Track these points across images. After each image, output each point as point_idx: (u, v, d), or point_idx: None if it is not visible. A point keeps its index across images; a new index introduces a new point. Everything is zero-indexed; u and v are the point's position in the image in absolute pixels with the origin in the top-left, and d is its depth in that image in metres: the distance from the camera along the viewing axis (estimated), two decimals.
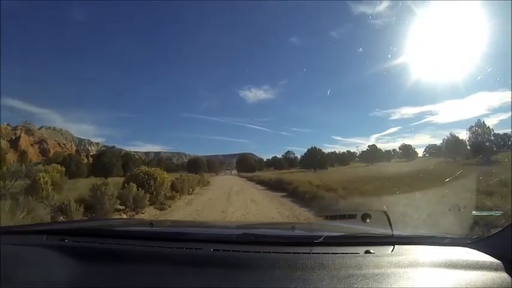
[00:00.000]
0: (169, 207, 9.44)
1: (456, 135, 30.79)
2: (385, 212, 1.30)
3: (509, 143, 24.02)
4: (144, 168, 10.72)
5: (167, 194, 10.57)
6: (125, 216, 7.44)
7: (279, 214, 7.32)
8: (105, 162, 30.53)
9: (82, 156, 41.85)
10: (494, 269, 0.94)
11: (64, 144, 60.69)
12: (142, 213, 8.17)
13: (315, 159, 40.37)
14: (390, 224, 1.22)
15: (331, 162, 43.48)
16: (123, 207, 8.12)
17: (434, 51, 21.46)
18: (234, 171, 51.75)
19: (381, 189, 9.26)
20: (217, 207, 8.94)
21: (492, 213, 3.07)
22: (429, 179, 9.40)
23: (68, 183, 12.14)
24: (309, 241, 1.15)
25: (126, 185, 8.68)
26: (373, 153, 44.39)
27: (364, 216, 1.39)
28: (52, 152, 47.22)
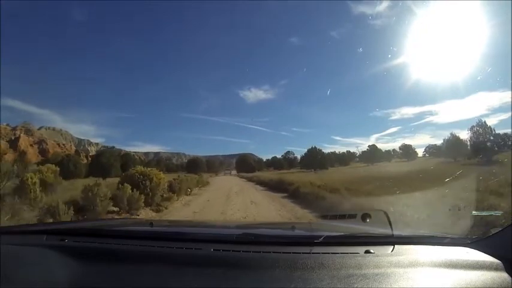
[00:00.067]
0: (166, 208, 9.23)
1: (457, 135, 30.81)
2: (385, 212, 1.30)
3: (510, 143, 24.02)
4: (139, 168, 10.40)
5: (164, 195, 10.31)
6: None
7: (280, 216, 7.22)
8: (103, 163, 30.41)
9: (81, 157, 41.81)
10: (494, 269, 0.94)
11: (64, 144, 60.63)
12: (137, 215, 7.97)
13: (315, 159, 40.35)
14: (390, 224, 1.22)
15: (331, 163, 43.45)
16: (117, 208, 7.90)
17: (434, 51, 21.51)
18: (234, 172, 51.68)
19: (383, 189, 9.23)
20: (216, 209, 8.80)
21: (492, 213, 3.07)
22: (430, 179, 9.39)
23: (65, 184, 11.97)
24: (309, 241, 1.15)
25: (120, 185, 8.42)
26: (373, 153, 44.40)
27: (364, 216, 1.40)
28: (51, 152, 47.20)
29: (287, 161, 52.24)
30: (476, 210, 4.02)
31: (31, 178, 7.16)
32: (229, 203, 9.98)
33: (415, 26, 20.51)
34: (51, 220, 5.88)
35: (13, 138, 49.35)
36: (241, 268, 0.97)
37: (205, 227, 2.07)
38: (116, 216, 7.40)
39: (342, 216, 2.06)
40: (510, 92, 34.45)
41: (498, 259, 0.97)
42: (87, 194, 7.08)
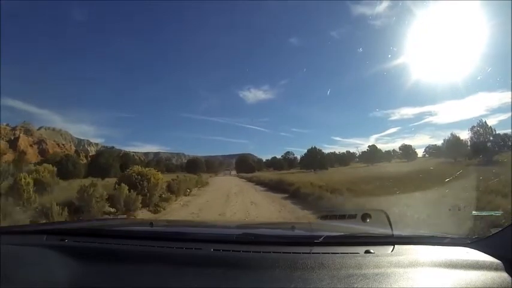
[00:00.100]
0: (164, 209, 9.07)
1: (457, 135, 30.76)
2: (385, 212, 1.31)
3: (510, 144, 24.02)
4: (137, 168, 10.20)
5: (162, 196, 10.14)
6: None
7: (282, 218, 7.08)
8: (102, 163, 30.35)
9: (81, 157, 41.76)
10: (494, 269, 0.94)
11: (63, 144, 60.56)
12: (134, 216, 7.77)
13: (315, 159, 40.31)
14: (390, 224, 1.22)
15: (331, 163, 43.39)
16: (114, 210, 7.74)
17: (434, 51, 21.51)
18: (234, 172, 51.63)
19: (384, 189, 9.16)
20: (215, 210, 8.66)
21: (492, 213, 3.07)
22: (430, 179, 9.34)
23: (63, 184, 11.85)
24: (309, 241, 1.15)
25: (117, 186, 8.27)
26: (373, 154, 44.35)
27: (364, 216, 1.40)
28: (51, 152, 47.14)
29: (287, 162, 52.17)
30: (476, 210, 4.03)
31: (24, 178, 6.92)
32: (229, 204, 9.85)
33: (414, 26, 20.55)
34: (44, 222, 5.77)
35: (13, 138, 49.32)
36: (241, 268, 0.97)
37: (205, 227, 2.07)
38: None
39: (342, 216, 2.06)
40: (510, 92, 34.40)
41: (498, 259, 0.97)
42: (83, 194, 6.93)
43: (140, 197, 8.33)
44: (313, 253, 1.03)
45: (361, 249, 1.06)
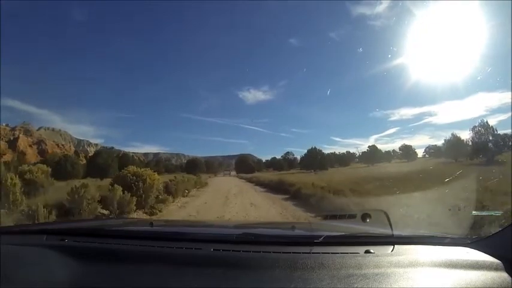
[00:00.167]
0: (160, 211, 8.82)
1: (458, 135, 30.73)
2: (385, 212, 1.31)
3: (510, 144, 24.01)
4: (132, 168, 9.82)
5: (159, 197, 9.81)
6: None
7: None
8: (100, 163, 30.28)
9: (80, 157, 41.71)
10: (494, 269, 0.94)
11: (63, 145, 60.55)
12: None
13: (315, 160, 40.29)
14: (390, 224, 1.22)
15: (331, 163, 43.37)
16: (107, 211, 7.43)
17: (433, 52, 21.52)
18: (233, 172, 51.64)
19: (386, 189, 9.07)
20: (214, 212, 8.46)
21: (492, 213, 3.07)
22: (431, 179, 9.32)
23: (60, 185, 11.48)
24: (309, 241, 1.15)
25: (110, 187, 7.97)
26: (373, 154, 44.35)
27: (364, 216, 1.40)
28: (50, 152, 47.12)
29: (287, 162, 52.16)
30: (476, 210, 4.03)
31: (11, 179, 6.50)
32: (228, 205, 9.62)
33: (414, 27, 20.55)
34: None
35: (12, 138, 49.30)
36: (241, 268, 0.97)
37: (205, 226, 2.07)
38: None
39: (342, 216, 2.06)
40: (510, 92, 34.40)
41: (498, 259, 0.97)
42: (73, 196, 6.59)
43: (135, 199, 8.03)
44: (313, 253, 1.04)
45: (361, 249, 1.06)
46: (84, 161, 38.25)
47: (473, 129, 28.20)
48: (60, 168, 25.83)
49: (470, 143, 27.87)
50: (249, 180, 26.67)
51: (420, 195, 6.61)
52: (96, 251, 1.14)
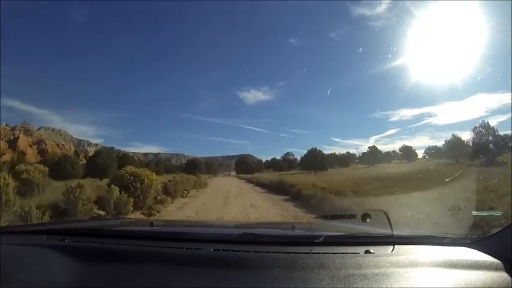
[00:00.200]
0: (158, 212, 8.67)
1: (458, 136, 30.70)
2: (385, 212, 1.31)
3: (510, 145, 23.99)
4: (130, 168, 9.63)
5: (158, 198, 9.64)
6: None
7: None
8: (100, 163, 30.25)
9: (80, 157, 41.70)
10: (494, 269, 0.94)
11: (63, 145, 60.61)
12: None
13: (315, 160, 40.28)
14: (390, 224, 1.22)
15: (331, 164, 43.44)
16: (104, 212, 7.27)
17: (433, 52, 21.46)
18: (233, 173, 51.65)
19: (387, 190, 9.04)
20: (213, 213, 8.36)
21: (492, 213, 3.07)
22: (431, 180, 9.29)
23: (59, 185, 11.36)
24: (309, 241, 1.15)
25: (107, 187, 7.84)
26: (373, 155, 44.40)
27: (364, 216, 1.40)
28: (50, 152, 47.12)
29: (287, 162, 52.20)
30: (476, 210, 4.03)
31: (4, 179, 6.31)
32: (228, 206, 9.50)
33: (414, 27, 20.49)
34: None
35: (12, 138, 49.32)
36: (241, 268, 0.97)
37: (205, 226, 2.07)
38: None
39: (342, 216, 2.06)
40: (510, 93, 34.37)
41: (498, 259, 0.97)
42: (68, 196, 6.42)
43: (132, 199, 7.85)
44: (313, 253, 1.03)
45: (361, 249, 1.06)
46: (84, 161, 38.24)
47: (473, 130, 28.16)
48: (60, 168, 25.86)
49: (470, 144, 27.83)
50: (249, 181, 26.62)
51: (420, 196, 6.61)
52: (96, 251, 1.14)
